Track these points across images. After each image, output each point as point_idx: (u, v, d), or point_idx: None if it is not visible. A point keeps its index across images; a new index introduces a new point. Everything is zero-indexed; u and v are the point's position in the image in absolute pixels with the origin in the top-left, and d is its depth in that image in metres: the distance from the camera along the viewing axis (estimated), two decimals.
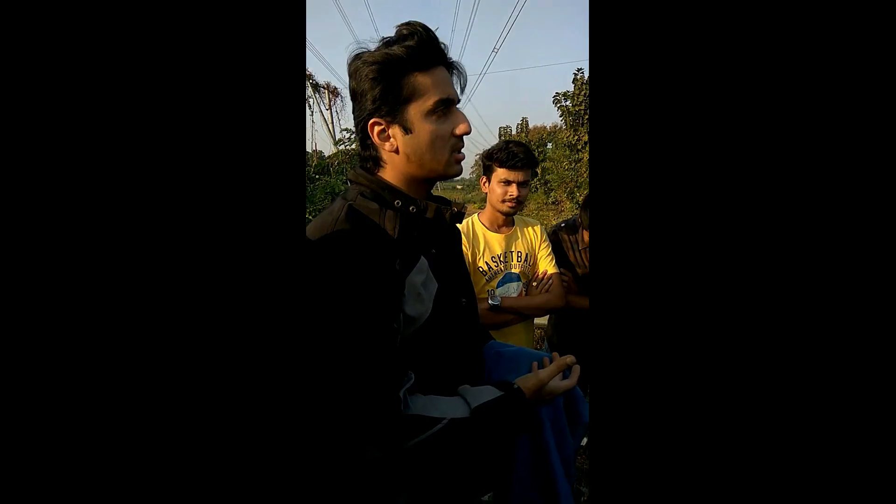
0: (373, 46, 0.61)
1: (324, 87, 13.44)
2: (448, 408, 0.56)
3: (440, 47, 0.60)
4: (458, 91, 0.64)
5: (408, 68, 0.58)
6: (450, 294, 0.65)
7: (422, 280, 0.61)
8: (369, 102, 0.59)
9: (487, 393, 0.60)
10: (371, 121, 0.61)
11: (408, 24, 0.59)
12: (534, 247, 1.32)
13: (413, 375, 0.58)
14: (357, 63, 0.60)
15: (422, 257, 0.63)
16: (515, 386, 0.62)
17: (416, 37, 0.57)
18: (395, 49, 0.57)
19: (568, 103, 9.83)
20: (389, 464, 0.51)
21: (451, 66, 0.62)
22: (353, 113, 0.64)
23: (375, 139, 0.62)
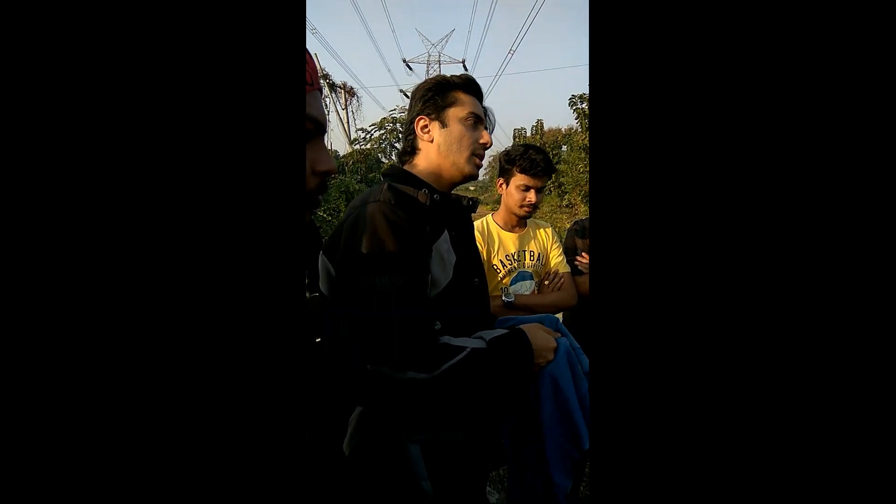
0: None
1: (340, 87, 13.60)
2: (470, 342, 0.70)
3: (481, 89, 0.83)
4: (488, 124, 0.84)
5: (455, 87, 0.81)
6: (465, 270, 0.77)
7: (445, 249, 0.73)
8: (420, 105, 0.80)
9: (499, 331, 0.74)
10: (419, 118, 0.80)
11: (462, 73, 0.85)
12: (546, 247, 1.35)
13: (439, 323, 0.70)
14: (422, 83, 0.83)
15: (445, 231, 0.74)
16: (520, 328, 0.76)
17: (464, 76, 0.82)
18: (450, 76, 0.82)
19: (584, 105, 9.78)
20: (430, 383, 0.63)
21: (484, 108, 0.84)
22: (405, 122, 0.86)
23: (418, 131, 0.81)
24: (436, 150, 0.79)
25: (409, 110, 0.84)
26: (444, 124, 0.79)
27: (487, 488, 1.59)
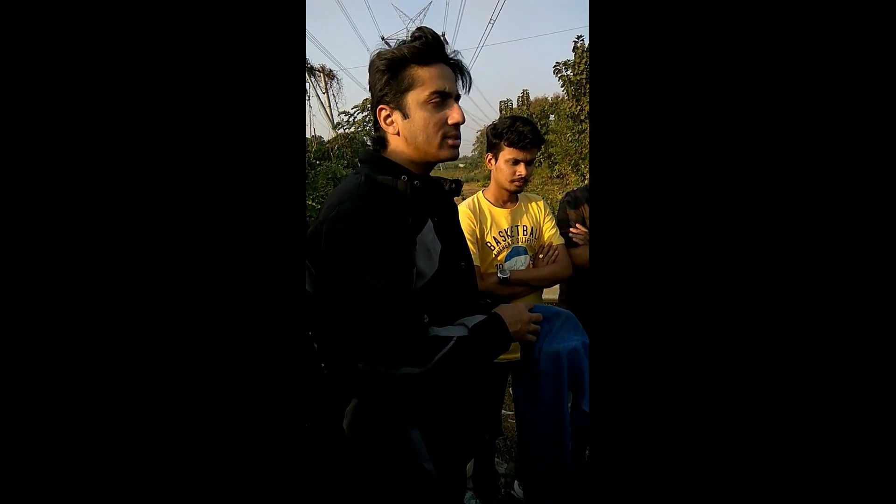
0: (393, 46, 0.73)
1: (318, 71, 13.20)
2: (454, 331, 0.71)
3: (443, 47, 0.72)
4: (460, 87, 0.75)
5: (409, 62, 0.70)
6: (451, 256, 0.75)
7: (430, 239, 0.71)
8: (378, 91, 0.72)
9: (478, 318, 0.75)
10: (379, 107, 0.73)
11: (420, 28, 0.72)
12: (538, 220, 1.34)
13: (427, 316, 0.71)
14: (374, 59, 0.73)
15: (428, 219, 0.72)
16: (494, 311, 0.78)
17: (422, 39, 0.70)
18: (403, 47, 0.70)
19: (569, 72, 9.58)
20: (425, 376, 0.65)
21: (453, 65, 0.74)
22: (371, 105, 0.77)
23: (382, 123, 0.74)
24: (403, 142, 0.73)
25: (371, 91, 0.75)
26: (405, 114, 0.71)
27: (496, 459, 1.63)
